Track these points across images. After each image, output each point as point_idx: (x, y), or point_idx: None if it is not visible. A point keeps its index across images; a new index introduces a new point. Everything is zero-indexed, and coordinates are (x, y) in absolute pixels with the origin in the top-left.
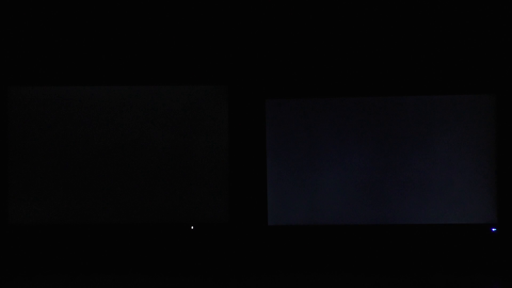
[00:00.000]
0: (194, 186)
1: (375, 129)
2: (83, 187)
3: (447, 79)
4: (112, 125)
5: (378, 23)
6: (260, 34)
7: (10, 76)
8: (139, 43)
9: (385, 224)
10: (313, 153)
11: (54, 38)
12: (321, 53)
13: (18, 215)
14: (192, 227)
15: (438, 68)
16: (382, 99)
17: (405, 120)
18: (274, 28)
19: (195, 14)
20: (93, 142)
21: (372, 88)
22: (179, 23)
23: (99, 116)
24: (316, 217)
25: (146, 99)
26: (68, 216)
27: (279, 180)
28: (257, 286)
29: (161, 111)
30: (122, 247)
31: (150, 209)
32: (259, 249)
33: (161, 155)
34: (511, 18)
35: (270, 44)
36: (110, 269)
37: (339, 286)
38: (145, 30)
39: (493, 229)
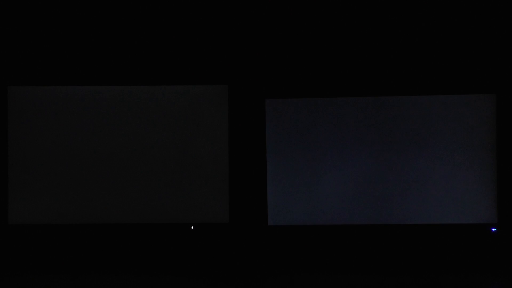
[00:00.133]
0: (194, 186)
1: (375, 129)
2: (83, 187)
3: (447, 79)
4: (112, 125)
5: (378, 23)
6: (260, 34)
7: (10, 76)
8: (139, 43)
9: (385, 224)
10: (313, 153)
11: (54, 38)
12: (321, 53)
13: (18, 215)
14: (192, 227)
15: (438, 68)
16: (382, 99)
17: (405, 120)
18: (274, 28)
19: (195, 14)
20: (93, 142)
21: (372, 88)
22: (179, 23)
23: (99, 116)
24: (316, 217)
25: (146, 99)
26: (68, 216)
27: (279, 180)
28: (257, 286)
29: (161, 111)
30: (122, 247)
31: (150, 209)
32: (259, 249)
33: (161, 155)
34: (511, 18)
35: (270, 44)
36: (110, 269)
37: (339, 286)
38: (145, 30)
39: (493, 229)
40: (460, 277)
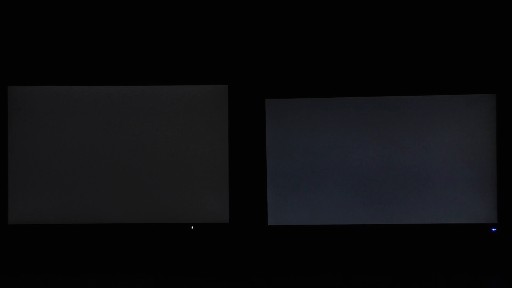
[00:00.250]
0: (194, 186)
1: (375, 128)
2: (83, 187)
3: (447, 79)
4: (112, 125)
5: (378, 23)
6: (260, 34)
7: (10, 76)
8: (139, 43)
9: (385, 224)
10: (313, 153)
11: (54, 38)
12: (321, 53)
13: (18, 215)
14: (192, 227)
15: (438, 68)
16: (382, 99)
17: (405, 120)
18: (274, 28)
19: (195, 14)
20: (93, 142)
21: (372, 88)
22: (179, 23)
23: (99, 116)
24: (316, 217)
25: (146, 99)
26: (68, 216)
27: (279, 180)
28: (257, 286)
29: (161, 111)
30: (122, 247)
31: (150, 209)
32: (259, 249)
33: (161, 155)
34: (511, 18)
35: (270, 44)
36: (109, 269)
37: (339, 286)
38: (145, 30)
39: (493, 229)
40: (460, 277)
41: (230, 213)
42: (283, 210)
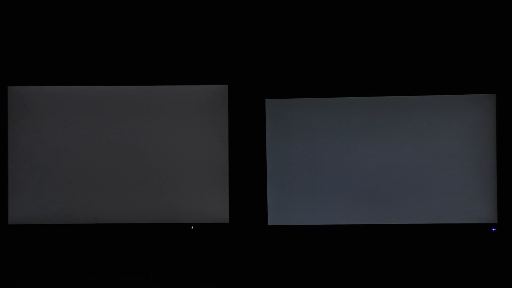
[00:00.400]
0: (194, 186)
1: (375, 128)
2: (83, 187)
3: (447, 79)
4: (112, 125)
5: (378, 22)
6: (260, 35)
7: (10, 76)
8: (138, 43)
9: (385, 224)
10: (313, 153)
11: (54, 38)
12: (321, 53)
13: (18, 215)
14: (192, 227)
15: (438, 68)
16: (382, 99)
17: (404, 120)
18: (274, 28)
19: (195, 14)
20: (93, 142)
21: (372, 88)
22: (179, 23)
23: (99, 116)
24: (316, 217)
25: (146, 99)
26: (68, 216)
27: (279, 180)
28: (257, 286)
29: (161, 111)
30: (121, 247)
31: (150, 209)
32: (259, 249)
33: (161, 154)
34: (511, 18)
35: (270, 44)
36: (109, 269)
37: (339, 286)
38: (145, 30)
39: (493, 229)
40: (460, 277)
41: (230, 213)
42: (283, 210)
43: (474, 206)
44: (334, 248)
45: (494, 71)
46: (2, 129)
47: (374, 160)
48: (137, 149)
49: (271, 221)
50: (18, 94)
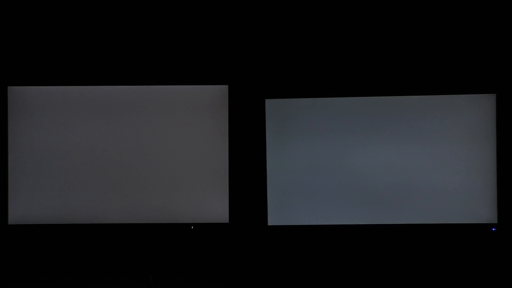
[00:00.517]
0: (194, 186)
1: (375, 128)
2: (83, 187)
3: (447, 79)
4: (112, 125)
5: (378, 22)
6: (259, 35)
7: (10, 76)
8: (139, 43)
9: (385, 224)
10: (313, 153)
11: (54, 38)
12: (322, 53)
13: (18, 215)
14: (192, 227)
15: (438, 68)
16: (382, 99)
17: (404, 120)
18: (274, 28)
19: (195, 14)
20: (93, 142)
21: (372, 88)
22: (179, 23)
23: (99, 116)
24: (316, 217)
25: (146, 99)
26: (68, 216)
27: (279, 180)
28: (257, 286)
29: (161, 111)
30: (121, 247)
31: (150, 209)
32: (259, 249)
33: (161, 154)
34: (511, 18)
35: (270, 44)
36: (109, 269)
37: (340, 286)
38: (145, 30)
39: (493, 229)
40: (460, 277)
41: (230, 213)
42: (283, 210)
43: (474, 206)
44: (334, 248)
45: (494, 71)
46: (2, 129)
47: (374, 160)
48: (137, 149)
49: (271, 221)
50: (18, 94)
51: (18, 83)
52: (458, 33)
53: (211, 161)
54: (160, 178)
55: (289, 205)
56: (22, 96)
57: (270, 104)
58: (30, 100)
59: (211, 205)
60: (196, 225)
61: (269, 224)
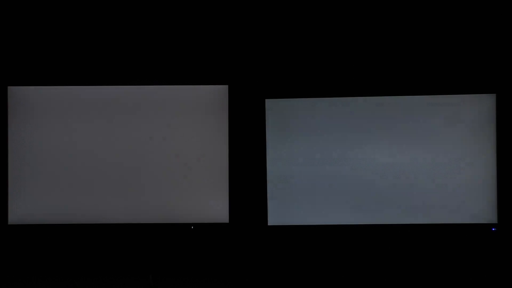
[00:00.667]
0: (194, 186)
1: (375, 129)
2: (83, 187)
3: (447, 79)
4: (111, 125)
5: (378, 22)
6: (259, 35)
7: (10, 76)
8: (139, 43)
9: (385, 224)
10: (313, 153)
11: (54, 38)
12: (322, 53)
13: (18, 215)
14: (192, 227)
15: (437, 68)
16: (382, 99)
17: (404, 120)
18: (274, 28)
19: (195, 14)
20: (93, 142)
21: (372, 88)
22: (179, 23)
23: (99, 116)
24: (316, 217)
25: (146, 99)
26: (68, 216)
27: (279, 180)
28: (257, 286)
29: (161, 111)
30: (121, 247)
31: (150, 209)
32: (259, 249)
33: (161, 154)
34: (511, 18)
35: (270, 44)
36: (109, 269)
37: (340, 286)
38: (145, 30)
39: (493, 229)
40: (460, 277)
41: (230, 213)
42: (283, 210)
43: (474, 206)
44: (334, 248)
45: (494, 71)
46: (2, 129)
47: (374, 160)
48: (137, 149)
49: (271, 221)
50: (18, 94)
51: (18, 83)
52: (458, 33)
53: (211, 161)
54: (160, 178)
55: (289, 205)
56: (22, 96)
57: (270, 104)
58: (30, 100)
59: (211, 205)
60: (196, 225)
61: (269, 224)
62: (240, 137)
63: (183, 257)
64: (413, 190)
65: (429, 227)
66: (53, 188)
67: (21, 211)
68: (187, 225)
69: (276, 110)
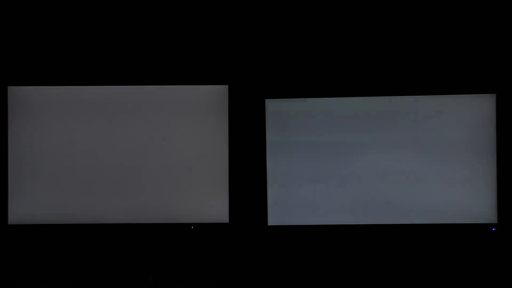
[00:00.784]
0: (194, 186)
1: (375, 128)
2: (83, 187)
3: (446, 79)
4: (111, 125)
5: (378, 22)
6: (259, 35)
7: (10, 76)
8: (139, 43)
9: (385, 224)
10: (313, 153)
11: (54, 38)
12: (322, 53)
13: (18, 215)
14: (192, 227)
15: (437, 68)
16: (382, 98)
17: (405, 120)
18: (274, 28)
19: (195, 14)
20: (93, 142)
21: (372, 88)
22: (179, 23)
23: (99, 116)
24: (316, 217)
25: (146, 99)
26: (68, 216)
27: (279, 180)
28: (257, 286)
29: (161, 111)
30: (121, 247)
31: (150, 209)
32: (259, 249)
33: (161, 154)
34: (511, 18)
35: (270, 44)
36: (109, 269)
37: (339, 286)
38: (145, 30)
39: (493, 229)
40: (460, 277)
41: (230, 213)
42: (283, 210)
43: (474, 206)
44: (334, 248)
45: (494, 71)
46: (2, 129)
47: (374, 159)
48: (137, 149)
49: (271, 221)
50: (18, 94)
51: (18, 83)
52: (458, 33)
53: (211, 161)
54: (160, 178)
55: (289, 205)
56: (22, 96)
57: (270, 104)
58: (30, 100)
59: (211, 205)
60: (196, 225)
61: (269, 224)
62: (240, 137)
63: (183, 257)
64: (413, 190)
65: (429, 227)
66: (53, 188)
67: (21, 211)
68: (187, 225)
69: (276, 110)
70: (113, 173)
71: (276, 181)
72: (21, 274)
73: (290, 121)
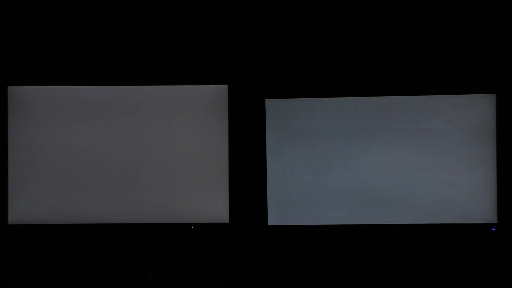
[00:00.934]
0: (194, 186)
1: (375, 129)
2: (83, 187)
3: (447, 79)
4: (112, 125)
5: (378, 22)
6: (259, 35)
7: (10, 76)
8: (139, 43)
9: (385, 224)
10: (313, 153)
11: (54, 38)
12: (322, 53)
13: (18, 215)
14: (192, 227)
15: (437, 68)
16: (382, 99)
17: (404, 120)
18: (274, 28)
19: (195, 14)
20: (93, 142)
21: (372, 88)
22: (179, 23)
23: (99, 116)
24: (316, 217)
25: (146, 99)
26: (68, 216)
27: (279, 180)
28: (257, 286)
29: (161, 111)
30: (121, 247)
31: (150, 209)
32: (259, 249)
33: (161, 154)
34: (511, 18)
35: (270, 44)
36: (109, 269)
37: (339, 286)
38: (145, 30)
39: (493, 229)
40: (460, 277)
41: (230, 213)
42: (283, 210)
43: (474, 206)
44: (334, 248)
45: (494, 71)
46: (2, 129)
47: (374, 159)
48: (137, 149)
49: (271, 221)
50: (18, 94)
51: (18, 83)
52: (458, 33)
53: (211, 161)
54: (160, 178)
55: (289, 205)
56: (22, 96)
57: (270, 104)
58: (30, 100)
59: (211, 205)
60: (196, 225)
61: (269, 224)
62: (240, 137)
63: (183, 257)
64: (413, 190)
65: (429, 227)
66: (53, 188)
67: (21, 211)
68: (187, 225)
69: (276, 110)
70: (113, 173)
71: (276, 181)
72: (21, 274)
73: (290, 121)
